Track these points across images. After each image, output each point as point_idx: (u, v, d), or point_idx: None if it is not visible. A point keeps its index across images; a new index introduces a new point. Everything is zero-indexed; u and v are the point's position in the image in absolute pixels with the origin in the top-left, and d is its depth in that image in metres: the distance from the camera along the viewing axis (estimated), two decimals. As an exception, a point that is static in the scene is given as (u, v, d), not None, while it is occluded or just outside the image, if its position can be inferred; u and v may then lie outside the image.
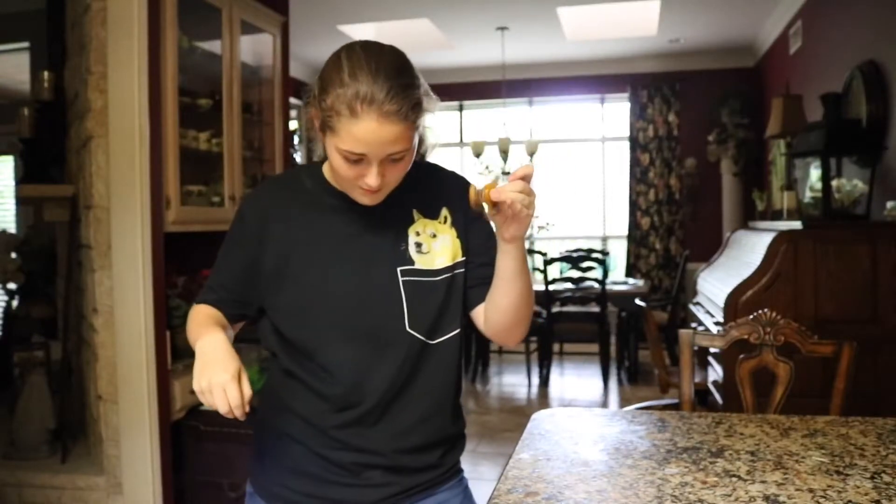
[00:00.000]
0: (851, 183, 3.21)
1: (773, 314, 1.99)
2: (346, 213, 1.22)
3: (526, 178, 1.10)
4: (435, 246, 1.25)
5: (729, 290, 2.88)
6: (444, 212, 1.28)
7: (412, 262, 1.23)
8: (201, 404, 2.94)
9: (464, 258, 1.28)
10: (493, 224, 1.19)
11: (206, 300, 1.28)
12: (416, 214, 1.26)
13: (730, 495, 1.21)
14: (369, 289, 1.21)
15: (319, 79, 1.17)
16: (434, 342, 1.25)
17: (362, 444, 1.23)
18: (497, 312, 1.27)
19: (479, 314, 1.31)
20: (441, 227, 1.27)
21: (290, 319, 1.23)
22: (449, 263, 1.26)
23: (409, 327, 1.22)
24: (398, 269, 1.22)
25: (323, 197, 1.25)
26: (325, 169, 1.26)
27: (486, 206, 1.12)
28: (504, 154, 6.34)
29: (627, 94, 7.27)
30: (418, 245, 1.24)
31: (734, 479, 1.29)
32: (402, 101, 1.08)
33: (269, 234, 1.23)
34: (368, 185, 1.12)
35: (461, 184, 1.30)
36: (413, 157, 1.17)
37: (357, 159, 1.10)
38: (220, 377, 1.06)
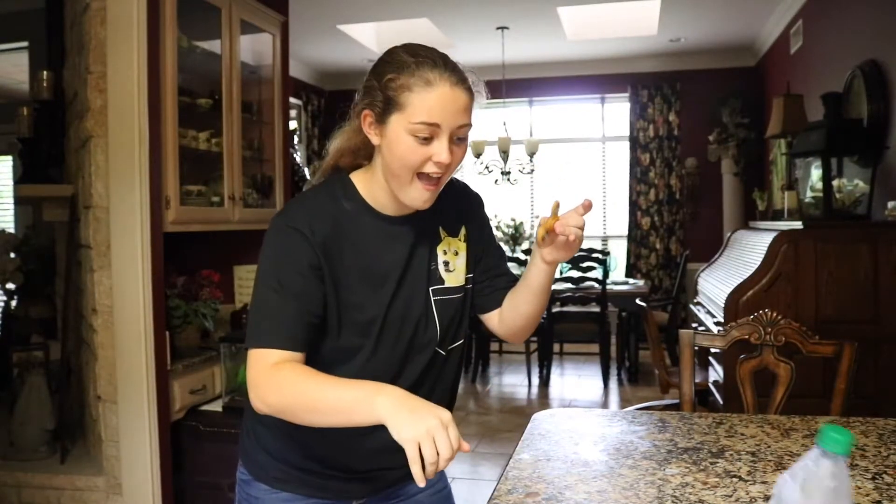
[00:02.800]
0: (852, 183, 3.20)
1: (774, 314, 1.99)
2: (385, 234, 1.24)
3: (586, 210, 1.17)
4: (458, 263, 1.32)
5: (729, 290, 2.87)
6: (464, 230, 1.34)
7: (442, 282, 1.29)
8: (201, 404, 2.93)
9: (470, 276, 1.35)
10: (541, 248, 1.24)
11: (286, 343, 1.14)
12: (442, 233, 1.31)
13: (730, 496, 1.21)
14: (406, 311, 1.25)
15: (375, 72, 1.18)
16: (445, 351, 1.32)
17: (357, 459, 1.29)
18: (518, 317, 1.35)
19: (494, 317, 1.39)
20: (461, 245, 1.34)
21: (327, 336, 1.21)
22: (463, 282, 1.34)
23: (439, 347, 1.29)
24: (430, 290, 1.28)
25: (364, 218, 1.24)
26: (359, 179, 1.26)
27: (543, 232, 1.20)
28: (504, 154, 6.34)
29: (628, 93, 7.26)
30: (446, 263, 1.30)
31: (735, 479, 1.29)
32: (464, 75, 1.17)
33: (328, 250, 1.19)
34: (441, 160, 1.13)
35: (475, 199, 1.40)
36: (466, 150, 1.21)
37: (428, 136, 1.13)
38: (440, 419, 0.98)
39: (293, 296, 1.14)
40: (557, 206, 1.20)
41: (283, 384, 1.10)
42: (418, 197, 1.18)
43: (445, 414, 0.99)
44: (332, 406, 1.06)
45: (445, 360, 1.32)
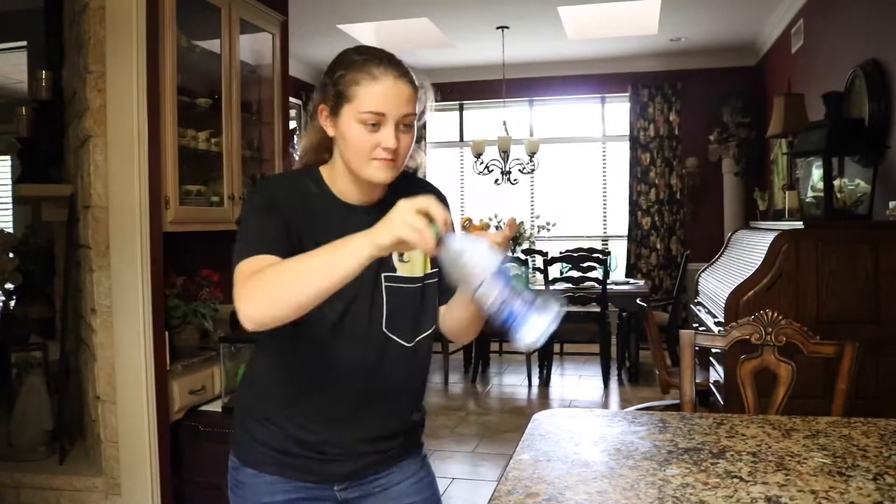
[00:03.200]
0: (853, 182, 3.20)
1: (775, 314, 1.98)
2: (344, 220, 1.30)
3: (512, 233, 1.19)
4: (414, 256, 1.37)
5: (730, 290, 2.87)
6: None
7: (394, 269, 1.35)
8: (200, 405, 2.93)
9: (434, 271, 1.40)
10: None
11: (270, 251, 1.20)
12: None
13: (731, 496, 1.20)
14: (356, 292, 1.30)
15: (329, 71, 1.30)
16: (411, 344, 1.37)
17: (330, 437, 1.35)
18: (454, 320, 1.41)
19: (441, 313, 1.44)
20: None
21: None
22: (421, 274, 1.39)
23: (386, 328, 1.34)
24: (382, 276, 1.34)
25: (326, 203, 1.33)
26: (325, 172, 1.36)
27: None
28: (504, 154, 6.33)
29: (628, 93, 7.26)
30: (400, 254, 1.35)
31: (736, 480, 1.28)
32: (408, 71, 1.29)
33: (294, 216, 1.28)
34: (388, 146, 1.23)
35: (440, 197, 1.41)
36: (414, 137, 1.29)
37: (375, 122, 1.23)
38: (403, 209, 1.04)
39: (270, 226, 1.25)
40: (468, 220, 1.23)
41: (263, 277, 1.13)
42: (378, 173, 1.27)
43: (415, 204, 1.04)
44: (314, 265, 1.09)
45: (412, 354, 1.37)
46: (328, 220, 1.30)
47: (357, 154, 1.26)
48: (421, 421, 1.50)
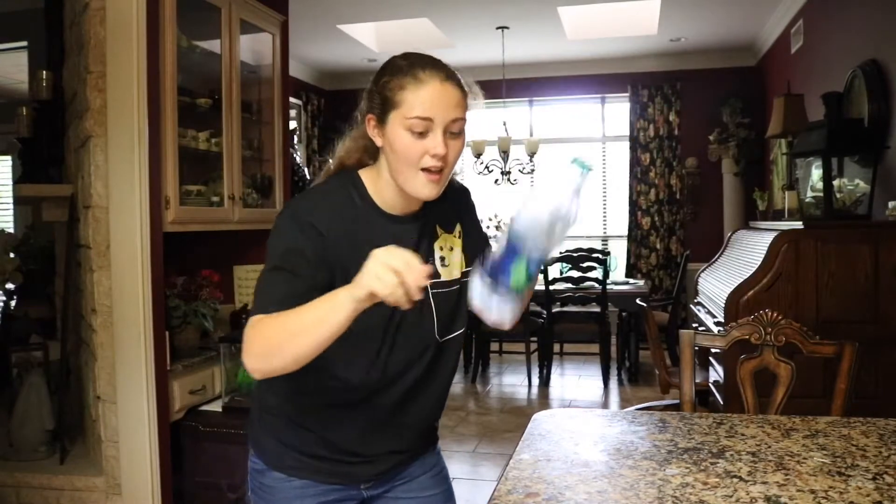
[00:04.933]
0: (853, 183, 3.20)
1: (775, 314, 1.98)
2: (390, 233, 1.28)
3: None
4: (453, 258, 1.39)
5: (730, 290, 2.87)
6: (459, 227, 1.41)
7: (438, 276, 1.35)
8: (200, 405, 2.93)
9: (468, 269, 1.38)
10: None
11: (274, 308, 1.14)
12: (438, 230, 1.38)
13: (731, 496, 1.21)
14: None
15: (375, 78, 1.27)
16: (443, 340, 1.37)
17: (363, 441, 1.36)
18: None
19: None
20: (456, 241, 1.40)
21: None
22: (459, 275, 1.39)
23: (439, 334, 1.36)
24: (428, 284, 1.27)
25: (372, 216, 1.30)
26: (367, 179, 1.32)
27: None
28: (504, 154, 6.33)
29: (628, 93, 7.26)
30: (442, 259, 1.37)
31: (735, 479, 1.28)
32: (455, 74, 1.26)
33: (330, 250, 1.22)
34: (437, 153, 1.20)
35: (463, 192, 1.47)
36: (464, 143, 1.26)
37: (423, 130, 1.20)
38: (401, 255, 1.03)
39: (296, 276, 1.18)
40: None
41: (263, 329, 1.12)
42: (424, 188, 1.24)
43: (371, 266, 1.02)
44: (309, 321, 1.07)
45: (441, 350, 1.38)
46: (372, 232, 1.26)
47: (405, 163, 1.22)
48: (436, 425, 1.54)
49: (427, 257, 1.32)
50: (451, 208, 1.40)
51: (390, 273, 1.00)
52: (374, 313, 1.15)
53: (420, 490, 1.48)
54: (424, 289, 1.23)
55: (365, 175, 1.32)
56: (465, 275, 1.39)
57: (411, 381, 1.35)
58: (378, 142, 1.26)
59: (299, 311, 1.09)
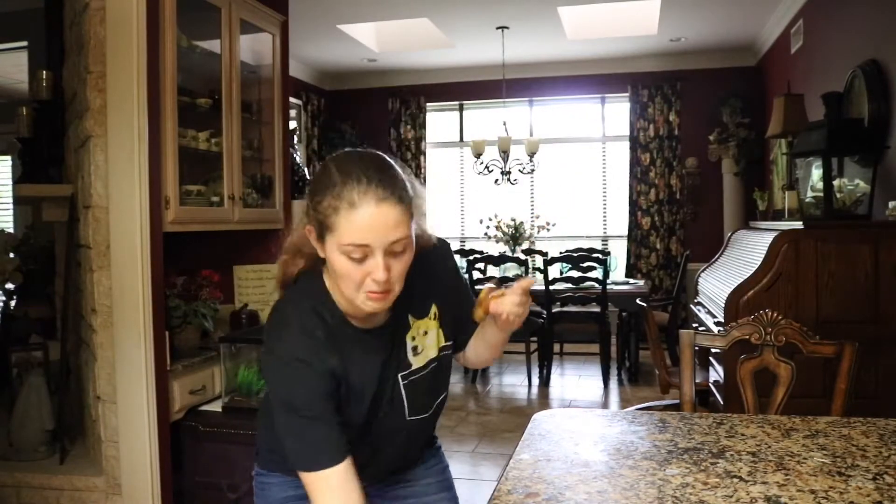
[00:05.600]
0: (853, 183, 3.20)
1: (775, 314, 1.98)
2: (363, 346, 1.28)
3: (524, 292, 1.26)
4: (427, 342, 1.37)
5: (730, 290, 2.87)
6: (433, 308, 1.38)
7: (409, 366, 1.35)
8: (201, 405, 2.93)
9: (449, 342, 1.42)
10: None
11: (342, 455, 1.19)
12: (410, 319, 1.35)
13: (731, 496, 1.21)
14: (380, 399, 1.32)
15: (310, 192, 1.21)
16: (429, 413, 1.42)
17: (373, 472, 1.41)
18: (478, 358, 1.51)
19: (466, 356, 1.52)
20: (430, 324, 1.38)
21: None
22: (436, 354, 1.39)
23: (409, 416, 1.37)
24: (399, 376, 1.33)
25: (344, 329, 1.27)
26: (331, 287, 1.28)
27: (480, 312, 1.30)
28: (504, 154, 6.33)
29: (628, 93, 7.26)
30: (414, 348, 1.35)
31: (735, 479, 1.28)
32: (393, 186, 1.15)
33: (332, 367, 1.23)
34: (377, 279, 1.14)
35: (437, 260, 1.39)
36: (412, 254, 1.20)
37: (361, 256, 1.14)
38: None
39: (318, 417, 1.19)
40: (489, 290, 1.27)
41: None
42: (369, 305, 1.20)
43: None
44: None
45: (431, 419, 1.45)
46: (350, 347, 1.26)
47: (347, 284, 1.18)
48: (432, 440, 1.60)
49: (400, 355, 1.33)
50: (424, 289, 1.36)
51: None
52: (351, 414, 1.27)
53: (418, 479, 1.54)
54: (395, 379, 1.33)
55: (327, 279, 1.28)
56: (443, 349, 1.40)
57: (395, 455, 1.43)
58: (321, 254, 1.22)
59: None
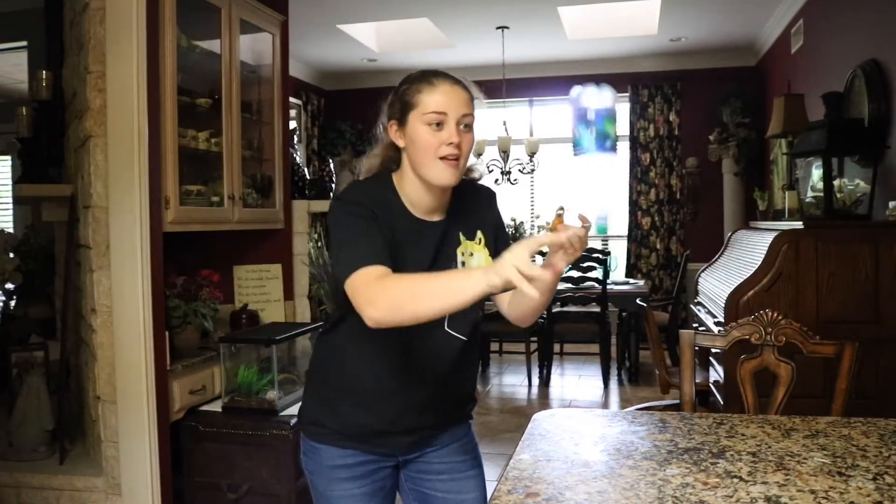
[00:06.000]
0: (853, 182, 3.20)
1: (775, 314, 1.98)
2: (416, 231, 1.49)
3: (586, 231, 1.32)
4: (472, 263, 1.55)
5: (730, 290, 2.87)
6: (479, 234, 1.57)
7: None
8: (200, 405, 2.93)
9: None
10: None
11: (378, 260, 1.34)
12: (461, 237, 1.55)
13: (731, 496, 1.20)
14: None
15: (393, 92, 1.50)
16: (462, 337, 1.54)
17: (404, 419, 1.55)
18: (522, 307, 1.55)
19: (503, 300, 1.59)
20: (477, 247, 1.57)
21: None
22: None
23: (448, 327, 1.51)
24: None
25: (403, 218, 1.48)
26: (396, 180, 1.51)
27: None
28: (504, 154, 6.33)
29: (628, 93, 7.26)
30: (462, 263, 1.54)
31: (735, 480, 1.28)
32: (462, 81, 1.47)
33: (384, 223, 1.42)
34: (452, 141, 1.40)
35: (487, 198, 1.63)
36: (474, 139, 1.47)
37: (439, 122, 1.41)
38: (510, 265, 1.16)
39: (369, 235, 1.38)
40: (560, 215, 1.33)
41: (389, 287, 1.29)
42: (443, 174, 1.43)
43: (508, 259, 1.16)
44: (443, 289, 1.23)
45: (470, 346, 1.57)
46: (405, 232, 1.46)
47: (425, 153, 1.42)
48: (471, 396, 1.70)
49: (450, 262, 1.50)
50: (473, 216, 1.57)
51: (525, 263, 1.14)
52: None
53: (450, 455, 1.64)
54: None
55: (394, 177, 1.51)
56: None
57: (436, 361, 1.52)
58: (400, 143, 1.47)
59: (431, 278, 1.28)
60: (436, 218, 1.52)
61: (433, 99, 1.42)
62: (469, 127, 1.45)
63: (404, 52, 6.96)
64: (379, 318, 1.26)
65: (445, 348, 1.53)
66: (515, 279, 1.15)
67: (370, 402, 1.53)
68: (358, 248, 1.36)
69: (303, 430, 1.63)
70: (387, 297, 1.27)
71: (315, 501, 1.64)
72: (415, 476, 1.65)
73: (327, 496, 1.59)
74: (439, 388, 1.56)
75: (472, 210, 1.59)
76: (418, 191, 1.48)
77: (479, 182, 1.65)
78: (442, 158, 1.41)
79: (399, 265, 1.39)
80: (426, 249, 1.48)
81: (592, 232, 7.50)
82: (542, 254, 1.40)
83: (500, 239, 1.62)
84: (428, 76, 1.45)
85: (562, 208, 1.33)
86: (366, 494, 1.58)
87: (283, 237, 3.63)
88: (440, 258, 1.50)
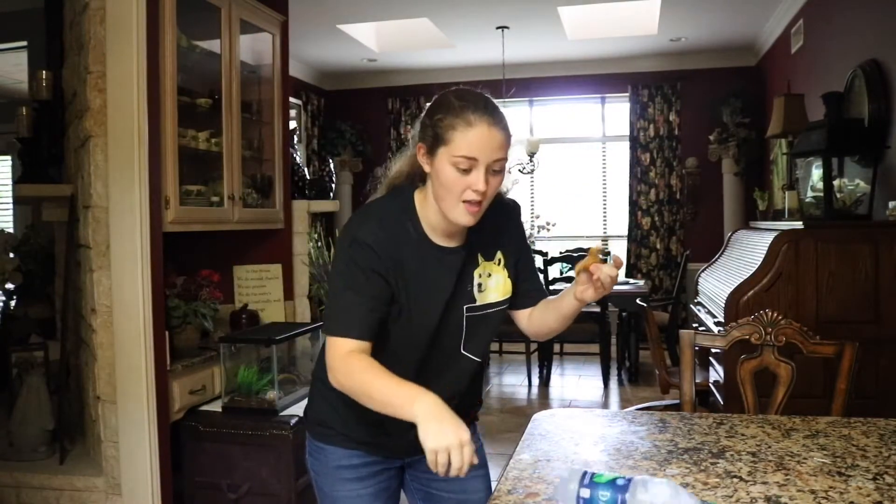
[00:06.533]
0: (853, 182, 3.20)
1: (775, 314, 1.98)
2: (438, 262, 1.46)
3: (618, 268, 1.40)
4: (490, 284, 1.54)
5: (730, 290, 2.87)
6: (499, 255, 1.56)
7: (474, 301, 1.52)
8: (200, 405, 2.93)
9: (511, 295, 1.57)
10: (578, 284, 1.44)
11: (358, 334, 1.38)
12: (480, 258, 1.53)
13: (731, 496, 1.20)
14: (446, 323, 1.49)
15: (428, 113, 1.42)
16: (478, 358, 1.57)
17: (414, 431, 1.41)
18: (544, 326, 1.59)
19: (524, 316, 1.62)
20: (496, 269, 1.55)
21: (386, 334, 1.45)
22: (500, 299, 1.55)
23: (464, 349, 1.53)
24: (464, 307, 1.50)
25: (423, 245, 1.46)
26: (419, 203, 1.47)
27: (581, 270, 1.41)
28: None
29: (628, 93, 7.26)
30: (479, 285, 1.52)
31: (735, 480, 1.28)
32: (502, 118, 1.38)
33: (392, 265, 1.40)
34: (477, 189, 1.34)
35: (510, 214, 1.60)
36: (503, 179, 1.41)
37: (467, 168, 1.34)
38: (460, 439, 1.19)
39: (363, 295, 1.38)
40: (597, 251, 1.42)
41: (353, 371, 1.35)
42: (463, 218, 1.39)
43: (465, 435, 1.19)
44: (383, 399, 1.30)
45: (469, 364, 1.56)
46: (423, 263, 1.44)
47: (448, 193, 1.37)
48: (476, 400, 1.69)
49: (467, 284, 1.50)
50: (493, 236, 1.55)
51: (445, 448, 1.18)
52: (415, 334, 1.45)
53: None
54: (460, 311, 1.50)
55: (417, 196, 1.48)
56: (505, 301, 1.56)
57: (447, 388, 1.48)
58: (426, 168, 1.41)
59: (380, 384, 1.32)
60: (455, 243, 1.49)
61: (466, 141, 1.33)
62: (499, 171, 1.39)
63: (404, 52, 6.96)
64: (336, 388, 1.38)
65: (458, 368, 1.54)
66: (432, 458, 1.18)
67: (377, 413, 1.48)
68: (349, 313, 1.38)
69: (309, 431, 1.64)
70: (346, 379, 1.36)
71: (320, 501, 1.64)
72: (421, 476, 1.65)
73: (332, 496, 1.59)
74: (448, 402, 1.52)
75: (493, 228, 1.55)
76: (438, 217, 1.44)
77: (507, 195, 1.60)
78: (464, 201, 1.37)
79: (423, 293, 1.43)
80: (447, 276, 1.47)
81: (592, 232, 7.52)
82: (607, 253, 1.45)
83: (522, 256, 1.61)
84: (466, 113, 1.34)
85: (604, 252, 1.40)
86: (371, 495, 1.59)
87: (283, 237, 3.63)
88: (461, 282, 1.50)
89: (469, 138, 1.33)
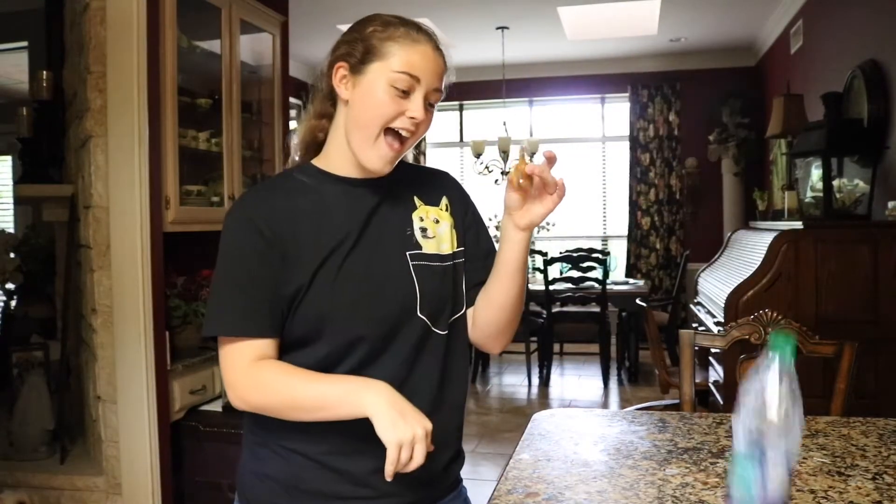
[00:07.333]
0: (853, 183, 3.20)
1: (774, 314, 1.98)
2: (345, 195, 1.19)
3: (551, 162, 1.16)
4: (440, 231, 1.25)
5: (730, 289, 2.87)
6: (445, 200, 1.29)
7: (419, 247, 1.21)
8: (201, 404, 2.93)
9: (461, 248, 1.28)
10: (513, 213, 1.20)
11: (258, 331, 1.11)
12: (417, 201, 1.25)
13: (731, 496, 1.21)
14: (382, 273, 1.17)
15: (356, 27, 1.19)
16: (441, 332, 1.22)
17: (364, 447, 1.12)
18: (491, 310, 1.26)
19: (468, 316, 1.30)
20: (442, 214, 1.27)
21: (302, 313, 1.13)
22: (450, 250, 1.25)
23: (420, 311, 1.19)
24: (407, 254, 1.20)
25: (325, 185, 1.20)
26: (319, 162, 1.23)
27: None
28: (504, 154, 6.33)
29: (628, 93, 7.26)
30: (423, 230, 1.23)
31: (735, 480, 1.28)
32: (442, 46, 1.18)
33: (283, 236, 1.13)
34: (414, 116, 1.12)
35: (450, 179, 1.34)
36: (430, 125, 1.18)
37: (406, 88, 1.12)
38: (426, 429, 1.02)
39: (253, 281, 1.11)
40: (523, 153, 1.20)
41: (263, 383, 1.10)
42: (380, 155, 1.14)
43: (429, 424, 1.03)
44: (316, 402, 1.07)
45: (442, 341, 1.22)
46: (326, 204, 1.17)
47: (376, 118, 1.12)
48: (460, 446, 1.33)
49: (403, 226, 1.21)
50: (434, 185, 1.29)
51: (410, 441, 1.00)
52: (351, 280, 1.14)
53: None
54: (402, 258, 1.19)
55: (317, 161, 1.24)
56: (456, 255, 1.26)
57: (407, 366, 1.18)
58: (343, 94, 1.17)
59: (304, 386, 1.08)
60: (367, 176, 1.20)
61: (410, 57, 1.12)
62: (433, 106, 1.17)
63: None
64: (244, 409, 1.13)
65: (418, 342, 1.20)
66: (395, 452, 0.99)
67: (327, 435, 1.16)
68: (235, 305, 1.11)
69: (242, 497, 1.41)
70: (258, 395, 1.10)
71: None
72: None
73: None
74: (422, 385, 1.20)
75: (430, 179, 1.30)
76: (344, 159, 1.19)
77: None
78: (389, 132, 1.13)
79: (321, 240, 1.14)
80: (356, 209, 1.18)
81: (592, 232, 7.52)
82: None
83: (474, 227, 1.32)
84: (409, 28, 1.14)
85: (523, 149, 1.21)
86: None
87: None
88: (375, 218, 1.19)
89: (413, 54, 1.12)
